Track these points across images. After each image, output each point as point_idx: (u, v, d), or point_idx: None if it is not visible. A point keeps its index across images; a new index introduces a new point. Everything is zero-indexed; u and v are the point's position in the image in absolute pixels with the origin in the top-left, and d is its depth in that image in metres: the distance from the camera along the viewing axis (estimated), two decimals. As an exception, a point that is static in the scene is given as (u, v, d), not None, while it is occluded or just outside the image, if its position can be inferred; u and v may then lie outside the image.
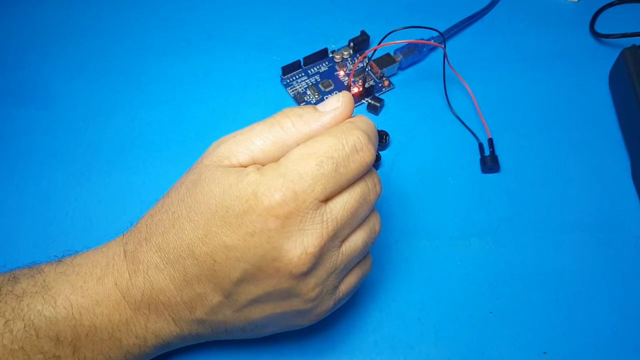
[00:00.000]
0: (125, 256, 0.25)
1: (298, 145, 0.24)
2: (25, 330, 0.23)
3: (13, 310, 0.23)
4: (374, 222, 0.26)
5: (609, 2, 0.46)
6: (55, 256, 0.26)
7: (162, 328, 0.25)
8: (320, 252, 0.23)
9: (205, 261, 0.23)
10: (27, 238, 0.33)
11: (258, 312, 0.24)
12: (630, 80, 0.37)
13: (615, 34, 0.43)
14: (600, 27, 0.45)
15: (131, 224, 0.27)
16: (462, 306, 0.31)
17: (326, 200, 0.23)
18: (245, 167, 0.24)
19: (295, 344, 0.29)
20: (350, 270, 0.26)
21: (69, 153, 0.37)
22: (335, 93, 0.40)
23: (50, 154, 0.37)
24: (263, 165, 0.24)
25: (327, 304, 0.26)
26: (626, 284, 0.32)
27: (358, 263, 0.27)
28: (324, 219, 0.23)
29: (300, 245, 0.22)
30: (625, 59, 0.38)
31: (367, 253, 0.27)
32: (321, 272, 0.24)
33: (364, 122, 0.25)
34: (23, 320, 0.23)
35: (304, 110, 0.24)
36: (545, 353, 0.29)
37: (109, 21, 0.45)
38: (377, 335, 0.30)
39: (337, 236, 0.24)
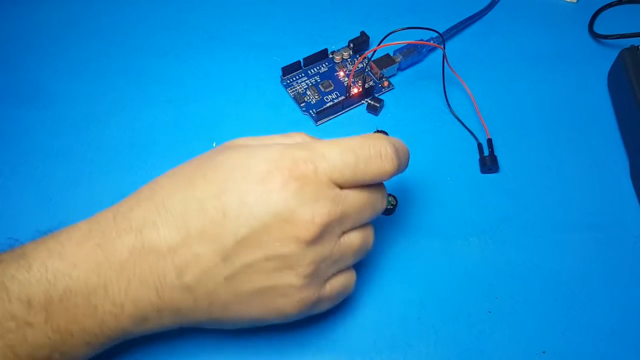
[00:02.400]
0: (114, 218, 0.24)
1: None
2: None
3: None
4: (370, 235, 0.27)
5: (608, 2, 0.46)
6: (37, 231, 0.26)
7: (142, 296, 0.23)
8: (325, 226, 0.24)
9: (215, 215, 0.23)
10: (27, 237, 0.33)
11: (248, 284, 0.24)
12: (629, 80, 0.37)
13: (614, 35, 0.43)
14: (599, 28, 0.45)
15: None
16: (461, 306, 0.31)
17: (340, 187, 0.25)
18: None
19: (294, 343, 0.29)
20: (337, 274, 0.27)
21: (69, 153, 0.37)
22: (336, 94, 0.41)
23: (50, 153, 0.37)
24: None
25: (313, 293, 0.25)
26: (625, 284, 0.32)
27: (343, 272, 0.27)
28: (336, 199, 0.24)
29: (310, 212, 0.23)
30: (624, 60, 0.39)
31: (352, 265, 0.28)
32: (320, 250, 0.24)
33: (398, 140, 0.27)
34: None
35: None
36: (544, 352, 0.30)
37: (110, 21, 0.45)
38: (376, 334, 0.30)
39: (341, 223, 0.25)
